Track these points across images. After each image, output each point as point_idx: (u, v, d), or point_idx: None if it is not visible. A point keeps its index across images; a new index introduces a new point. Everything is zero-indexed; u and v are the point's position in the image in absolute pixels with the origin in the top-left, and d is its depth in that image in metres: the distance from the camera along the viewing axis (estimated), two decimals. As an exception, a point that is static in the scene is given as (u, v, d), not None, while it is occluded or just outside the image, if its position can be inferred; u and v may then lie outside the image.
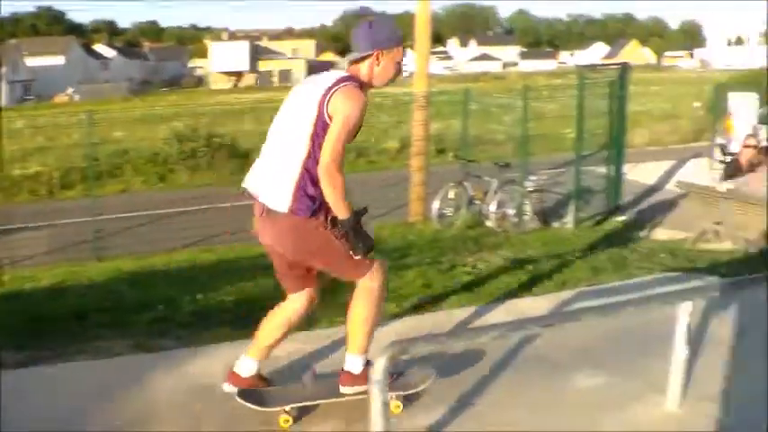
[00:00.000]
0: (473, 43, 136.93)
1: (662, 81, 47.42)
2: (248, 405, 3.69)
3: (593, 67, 14.41)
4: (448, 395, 4.04)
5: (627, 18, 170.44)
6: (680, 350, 3.87)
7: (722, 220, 9.74)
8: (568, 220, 12.52)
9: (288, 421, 3.72)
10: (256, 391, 3.81)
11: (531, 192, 13.10)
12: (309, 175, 3.46)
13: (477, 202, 12.28)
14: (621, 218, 12.86)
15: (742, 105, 15.51)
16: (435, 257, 7.77)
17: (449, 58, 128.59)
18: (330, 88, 3.47)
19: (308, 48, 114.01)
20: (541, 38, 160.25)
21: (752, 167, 10.33)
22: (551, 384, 4.29)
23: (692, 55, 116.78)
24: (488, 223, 11.92)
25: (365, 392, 3.31)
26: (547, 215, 13.14)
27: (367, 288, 3.69)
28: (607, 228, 12.13)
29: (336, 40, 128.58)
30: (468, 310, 5.63)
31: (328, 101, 3.44)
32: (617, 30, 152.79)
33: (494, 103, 28.86)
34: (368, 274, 3.67)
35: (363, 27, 3.70)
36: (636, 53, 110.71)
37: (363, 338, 3.72)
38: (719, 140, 16.81)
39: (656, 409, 3.96)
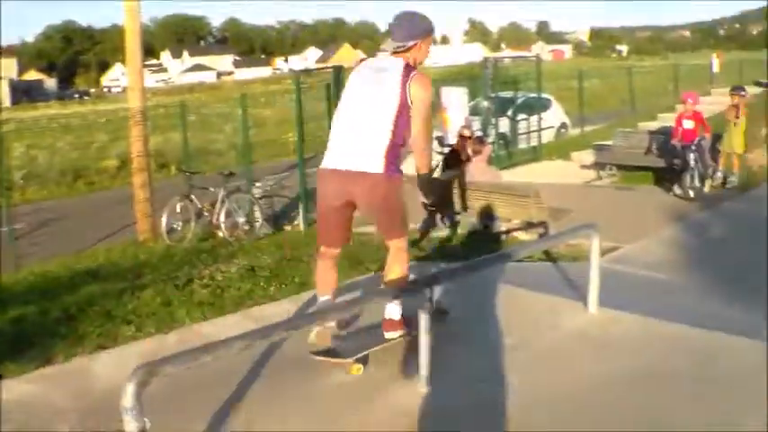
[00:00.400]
0: (186, 54, 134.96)
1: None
2: (327, 359, 4.45)
3: (308, 72, 14.91)
4: (204, 412, 3.99)
5: (338, 22, 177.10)
6: (423, 336, 4.12)
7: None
8: (299, 222, 12.80)
9: (360, 369, 4.47)
10: (330, 348, 4.48)
11: (259, 198, 13.22)
12: (394, 145, 4.29)
13: (206, 213, 12.15)
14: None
15: (454, 99, 16.79)
16: (171, 274, 7.58)
17: (163, 70, 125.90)
18: (405, 76, 4.29)
19: (9, 66, 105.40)
20: (255, 45, 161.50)
21: (468, 157, 11.19)
22: (304, 383, 4.39)
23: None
24: (220, 234, 11.84)
25: (404, 336, 4.57)
26: (278, 219, 13.33)
27: (402, 248, 4.55)
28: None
29: (41, 56, 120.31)
30: (213, 323, 5.60)
31: (409, 87, 4.27)
32: (328, 34, 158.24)
33: (213, 113, 28.72)
34: (404, 236, 4.56)
35: (410, 20, 4.47)
36: (348, 55, 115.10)
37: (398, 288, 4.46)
38: (437, 133, 18.06)
39: (410, 392, 4.18)
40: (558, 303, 5.38)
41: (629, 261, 8.16)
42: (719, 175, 13.52)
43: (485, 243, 9.06)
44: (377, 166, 4.25)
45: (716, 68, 31.79)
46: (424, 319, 4.09)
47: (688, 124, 13.15)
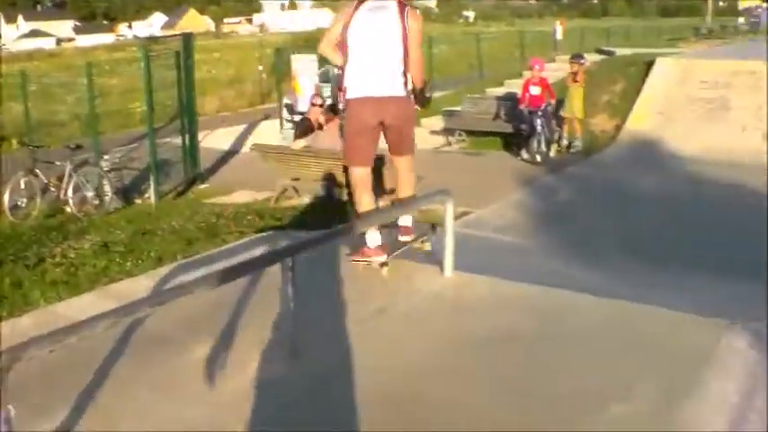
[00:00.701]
0: (21, 19, 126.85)
1: (224, 48, 48.81)
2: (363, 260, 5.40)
3: (154, 39, 14.44)
4: (69, 394, 3.90)
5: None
6: (286, 306, 4.18)
7: (300, 176, 10.51)
8: (150, 194, 12.48)
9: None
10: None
11: (107, 171, 12.76)
12: (405, 71, 5.35)
13: (52, 189, 11.60)
14: (203, 186, 13.16)
15: (304, 67, 16.71)
16: (19, 253, 7.27)
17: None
18: (401, 10, 5.26)
19: None
20: (96, 10, 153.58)
21: (320, 125, 11.24)
22: (168, 360, 4.35)
23: (250, 21, 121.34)
24: (68, 209, 11.36)
25: (415, 240, 5.72)
26: (128, 192, 12.93)
27: (412, 167, 5.74)
28: (190, 197, 12.34)
29: None
30: (69, 304, 5.42)
31: (406, 18, 5.25)
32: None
33: (54, 83, 27.29)
34: (413, 154, 5.77)
35: None
36: (195, 21, 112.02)
37: (412, 200, 5.69)
38: (287, 101, 17.98)
39: (274, 362, 4.24)
40: (416, 269, 5.58)
41: (481, 225, 8.52)
42: (564, 140, 14.18)
43: (335, 211, 9.20)
44: (401, 90, 5.36)
45: (559, 36, 33.10)
46: (289, 290, 4.14)
47: (535, 90, 13.72)
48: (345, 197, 10.10)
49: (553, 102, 13.98)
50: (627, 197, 10.30)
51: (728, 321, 4.30)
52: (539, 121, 13.30)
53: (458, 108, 16.97)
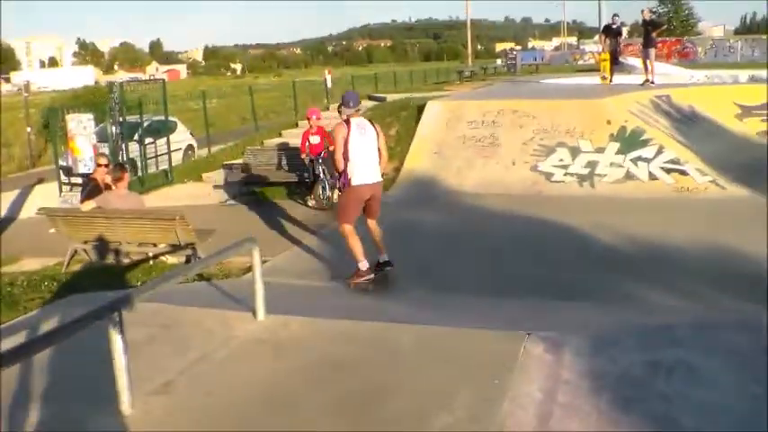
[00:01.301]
0: None
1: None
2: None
3: None
4: None
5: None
6: (119, 358, 4.21)
7: (90, 237, 10.23)
8: None
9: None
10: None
11: None
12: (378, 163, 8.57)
13: None
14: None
15: (80, 126, 16.23)
16: None
17: None
18: (373, 127, 8.59)
19: None
20: None
21: (108, 185, 11.01)
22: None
23: (8, 80, 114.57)
24: None
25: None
26: None
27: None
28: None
29: None
30: None
31: (376, 131, 8.59)
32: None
33: None
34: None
35: (355, 94, 9.11)
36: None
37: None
38: (63, 163, 17.32)
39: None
40: (228, 316, 5.73)
41: (278, 272, 8.76)
42: (347, 185, 14.74)
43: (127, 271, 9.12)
44: (379, 177, 8.67)
45: (330, 84, 34.28)
46: (117, 342, 4.17)
47: (314, 139, 14.26)
48: (132, 258, 10.04)
49: (332, 148, 14.52)
50: (415, 233, 10.97)
51: (526, 332, 4.84)
52: (321, 169, 13.81)
53: (239, 161, 17.17)
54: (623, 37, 22.09)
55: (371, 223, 8.67)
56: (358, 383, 4.42)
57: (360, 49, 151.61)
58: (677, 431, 3.78)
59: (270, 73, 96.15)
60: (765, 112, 18.32)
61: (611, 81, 21.34)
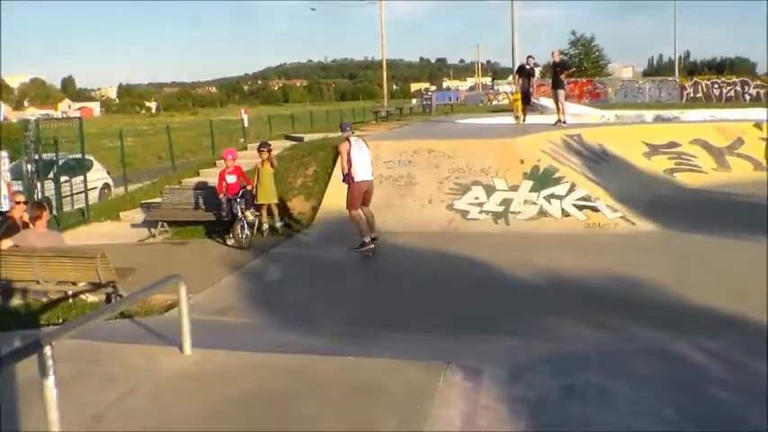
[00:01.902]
0: None
1: None
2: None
3: None
4: None
5: None
6: (49, 393, 4.22)
7: (8, 277, 10.02)
8: None
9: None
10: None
11: None
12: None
13: None
14: None
15: (-5, 164, 15.86)
16: None
17: None
18: (366, 144, 12.67)
19: None
20: None
21: (26, 223, 10.84)
22: None
23: None
24: None
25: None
26: None
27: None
28: None
29: None
30: None
31: (368, 146, 12.72)
32: None
33: None
34: None
35: (347, 123, 14.10)
36: None
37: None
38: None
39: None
40: (156, 351, 5.77)
41: (200, 309, 8.77)
42: (265, 224, 14.81)
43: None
44: (371, 176, 12.47)
45: (246, 123, 34.30)
46: (48, 377, 4.19)
47: (231, 179, 14.32)
48: (50, 297, 9.90)
49: (249, 187, 14.63)
50: (335, 271, 11.17)
51: (444, 362, 5.05)
52: (239, 207, 13.86)
53: (157, 200, 17.07)
54: (536, 78, 22.74)
55: (366, 210, 12.45)
56: (286, 415, 4.54)
57: (276, 88, 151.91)
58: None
59: (185, 111, 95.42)
60: (672, 150, 19.29)
61: (524, 121, 21.99)
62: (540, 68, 21.98)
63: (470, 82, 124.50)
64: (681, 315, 7.97)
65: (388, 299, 9.50)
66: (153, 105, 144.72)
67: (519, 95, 22.24)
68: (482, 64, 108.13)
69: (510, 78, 71.39)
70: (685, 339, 6.50)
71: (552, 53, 22.58)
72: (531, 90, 22.08)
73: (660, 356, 5.58)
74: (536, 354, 5.95)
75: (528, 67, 22.00)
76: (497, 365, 5.07)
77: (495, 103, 53.83)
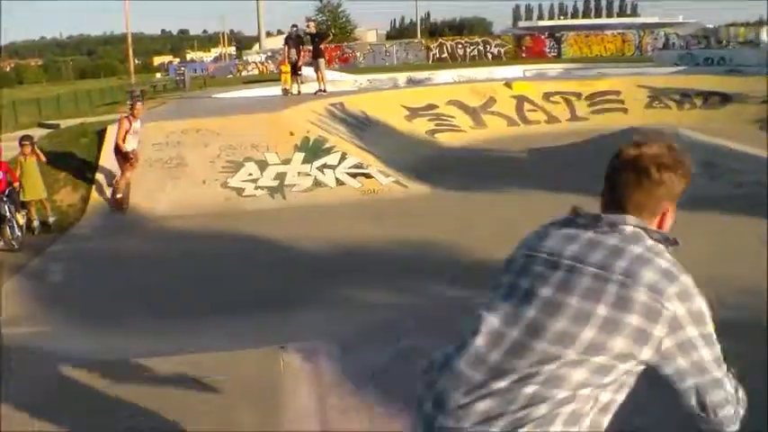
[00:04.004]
0: None
1: None
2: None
3: None
4: None
5: None
6: None
7: None
8: None
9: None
10: None
11: None
12: None
13: None
14: None
15: None
16: None
17: None
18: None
19: None
20: None
21: None
22: None
23: None
24: None
25: None
26: None
27: None
28: None
29: None
30: None
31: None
32: None
33: None
34: None
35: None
36: None
37: None
38: None
39: None
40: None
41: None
42: (36, 221, 13.94)
43: None
44: None
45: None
46: None
47: (-5, 176, 13.28)
48: None
49: (16, 185, 13.69)
50: (117, 263, 10.80)
51: (279, 346, 5.20)
52: (6, 207, 12.93)
53: None
54: (303, 47, 22.66)
55: None
56: (136, 422, 4.48)
57: (8, 69, 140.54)
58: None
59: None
60: (430, 112, 20.35)
61: (298, 92, 21.91)
62: (306, 37, 21.94)
63: (215, 53, 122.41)
64: (476, 271, 8.51)
65: (182, 286, 9.31)
66: None
67: (287, 67, 22.21)
68: (226, 34, 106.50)
69: (256, 47, 71.03)
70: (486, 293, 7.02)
71: (307, 24, 22.87)
72: (298, 60, 21.94)
73: (471, 312, 6.04)
74: (355, 325, 6.23)
75: (293, 36, 21.89)
76: (330, 343, 5.29)
77: (245, 74, 53.34)
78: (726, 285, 7.64)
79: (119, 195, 14.45)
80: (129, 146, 14.54)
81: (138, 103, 15.60)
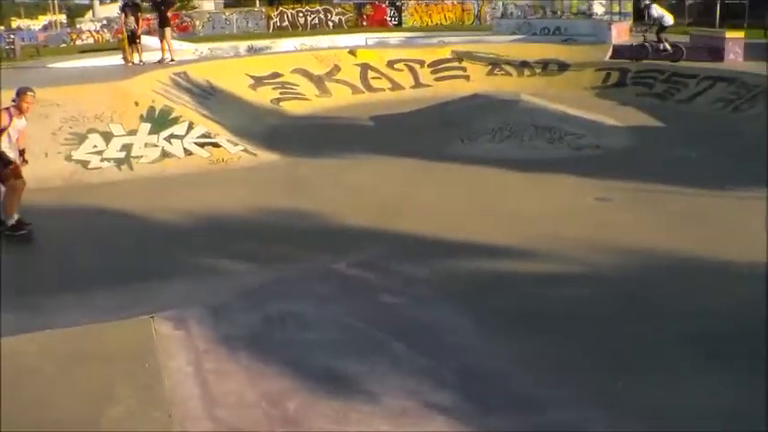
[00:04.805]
0: None
1: None
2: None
3: None
4: None
5: None
6: None
7: None
8: None
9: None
10: None
11: None
12: None
13: None
14: None
15: None
16: None
17: None
18: None
19: None
20: None
21: None
22: None
23: None
24: None
25: None
26: None
27: None
28: None
29: None
30: None
31: None
32: None
33: None
34: None
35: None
36: None
37: None
38: None
39: None
40: None
41: None
42: None
43: None
44: None
45: None
46: None
47: None
48: None
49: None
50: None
51: (148, 316, 5.15)
52: None
53: None
54: (141, 15, 21.62)
55: None
56: (17, 404, 4.32)
57: None
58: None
59: None
60: (275, 81, 20.19)
61: (141, 62, 20.97)
62: (144, 4, 21.09)
63: (45, 21, 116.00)
64: (331, 236, 8.70)
65: (39, 263, 8.96)
66: None
67: (125, 35, 21.23)
68: (56, 1, 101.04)
69: (89, 15, 67.79)
70: (344, 257, 7.22)
71: (152, -8, 21.96)
72: (135, 28, 20.94)
73: (332, 277, 6.19)
74: (223, 292, 6.24)
75: (132, 3, 20.85)
76: (199, 310, 5.28)
77: (80, 43, 50.83)
78: (562, 240, 8.27)
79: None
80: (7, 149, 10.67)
81: (30, 94, 11.04)
